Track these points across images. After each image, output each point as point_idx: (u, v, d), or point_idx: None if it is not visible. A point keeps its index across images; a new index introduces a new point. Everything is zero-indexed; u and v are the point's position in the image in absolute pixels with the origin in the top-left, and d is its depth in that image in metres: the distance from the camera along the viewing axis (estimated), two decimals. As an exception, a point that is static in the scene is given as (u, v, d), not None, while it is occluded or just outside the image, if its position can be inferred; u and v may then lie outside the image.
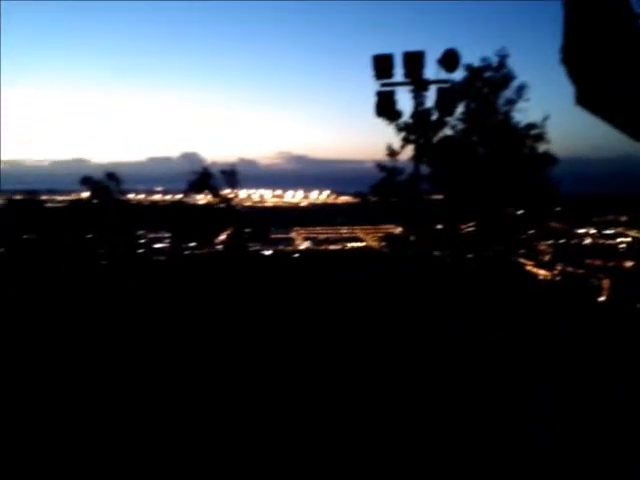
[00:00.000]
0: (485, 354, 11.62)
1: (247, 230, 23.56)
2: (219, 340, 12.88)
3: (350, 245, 65.64)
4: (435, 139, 19.18)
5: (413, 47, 16.06)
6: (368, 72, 16.25)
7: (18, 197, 22.81)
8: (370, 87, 16.26)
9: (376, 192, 20.50)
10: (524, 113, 19.44)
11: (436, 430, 8.29)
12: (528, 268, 23.43)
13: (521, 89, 19.23)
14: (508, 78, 19.21)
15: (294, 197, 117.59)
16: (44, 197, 24.52)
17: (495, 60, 19.09)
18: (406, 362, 11.19)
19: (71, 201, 24.25)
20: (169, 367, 11.06)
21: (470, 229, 20.76)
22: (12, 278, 19.73)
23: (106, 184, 21.19)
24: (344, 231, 78.42)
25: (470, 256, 20.73)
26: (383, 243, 25.88)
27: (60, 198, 27.52)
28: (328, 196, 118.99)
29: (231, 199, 23.21)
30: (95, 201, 21.19)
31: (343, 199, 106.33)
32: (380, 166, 20.10)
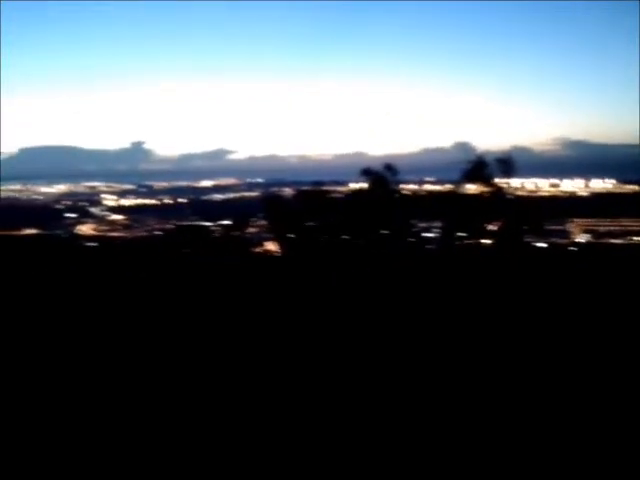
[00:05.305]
0: None
1: (520, 220, 22.68)
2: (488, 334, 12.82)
3: (637, 239, 58.60)
4: None
5: None
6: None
7: (305, 188, 25.23)
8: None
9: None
10: None
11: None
12: None
13: None
14: None
15: (572, 186, 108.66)
16: (328, 188, 26.69)
17: None
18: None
19: (352, 191, 26.14)
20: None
21: None
22: (297, 264, 22.13)
23: (383, 175, 22.39)
24: (629, 223, 70.12)
25: None
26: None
27: (342, 189, 29.79)
28: (613, 184, 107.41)
29: (504, 188, 22.58)
30: (373, 191, 22.54)
31: (630, 187, 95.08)
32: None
